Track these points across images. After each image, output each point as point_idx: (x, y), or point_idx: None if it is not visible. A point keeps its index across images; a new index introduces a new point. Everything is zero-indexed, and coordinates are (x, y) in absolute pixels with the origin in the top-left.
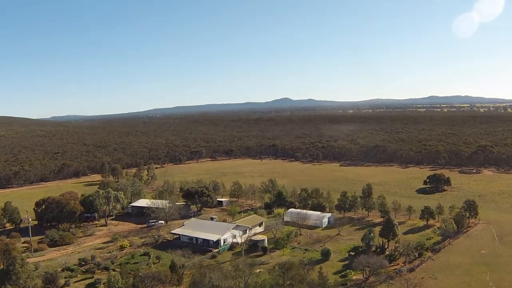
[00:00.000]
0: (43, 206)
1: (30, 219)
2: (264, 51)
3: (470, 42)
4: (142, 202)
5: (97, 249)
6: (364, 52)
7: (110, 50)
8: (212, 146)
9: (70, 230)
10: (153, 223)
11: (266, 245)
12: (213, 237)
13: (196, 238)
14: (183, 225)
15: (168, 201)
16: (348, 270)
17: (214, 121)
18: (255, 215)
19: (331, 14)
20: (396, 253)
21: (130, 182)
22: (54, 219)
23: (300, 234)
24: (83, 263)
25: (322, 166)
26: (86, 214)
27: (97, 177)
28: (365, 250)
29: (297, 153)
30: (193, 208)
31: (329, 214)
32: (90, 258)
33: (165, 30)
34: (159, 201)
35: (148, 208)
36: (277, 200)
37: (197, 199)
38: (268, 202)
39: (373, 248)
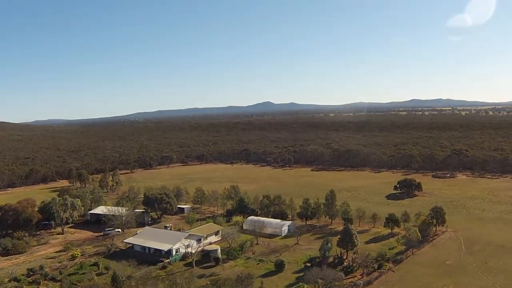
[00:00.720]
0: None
1: None
2: (247, 54)
3: (453, 46)
4: (100, 209)
5: (49, 258)
6: (347, 55)
7: (94, 53)
8: (185, 151)
9: (24, 238)
10: (109, 231)
11: (219, 256)
12: (164, 246)
13: (149, 248)
14: (136, 233)
15: (126, 208)
16: (300, 283)
17: (192, 125)
18: (212, 223)
19: (313, 15)
20: (354, 264)
21: (91, 188)
22: (10, 227)
23: (257, 244)
24: (31, 273)
25: (293, 171)
26: (44, 222)
27: (65, 183)
28: (321, 261)
29: (269, 158)
30: (153, 215)
31: (289, 222)
32: (38, 268)
33: (149, 34)
34: (116, 208)
35: (105, 215)
36: (239, 207)
37: (156, 206)
38: (230, 209)
39: (331, 259)
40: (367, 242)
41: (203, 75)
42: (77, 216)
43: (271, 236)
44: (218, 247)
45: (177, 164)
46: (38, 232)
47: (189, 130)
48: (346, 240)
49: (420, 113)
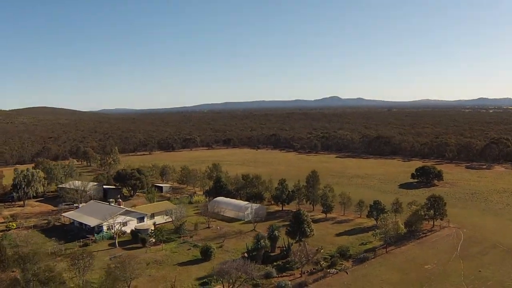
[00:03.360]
0: None
1: None
2: (316, 47)
3: None
4: (70, 184)
5: None
6: (418, 53)
7: (164, 48)
8: (217, 135)
9: None
10: (65, 206)
11: (146, 237)
12: (92, 222)
13: (80, 223)
14: (78, 207)
15: (93, 183)
16: (214, 277)
17: (246, 114)
18: (167, 202)
19: (385, 11)
20: (296, 259)
21: (66, 163)
22: None
23: (208, 227)
24: None
25: (315, 157)
26: (10, 195)
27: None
28: (256, 253)
29: (295, 143)
30: (126, 193)
31: (255, 205)
32: None
33: (218, 29)
34: (81, 183)
35: (67, 189)
36: (215, 188)
37: (127, 183)
38: (208, 189)
39: (278, 251)
40: (339, 234)
41: (271, 69)
42: (40, 190)
43: (232, 220)
44: (149, 228)
45: (201, 148)
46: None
47: (239, 118)
48: (295, 228)
49: (484, 111)
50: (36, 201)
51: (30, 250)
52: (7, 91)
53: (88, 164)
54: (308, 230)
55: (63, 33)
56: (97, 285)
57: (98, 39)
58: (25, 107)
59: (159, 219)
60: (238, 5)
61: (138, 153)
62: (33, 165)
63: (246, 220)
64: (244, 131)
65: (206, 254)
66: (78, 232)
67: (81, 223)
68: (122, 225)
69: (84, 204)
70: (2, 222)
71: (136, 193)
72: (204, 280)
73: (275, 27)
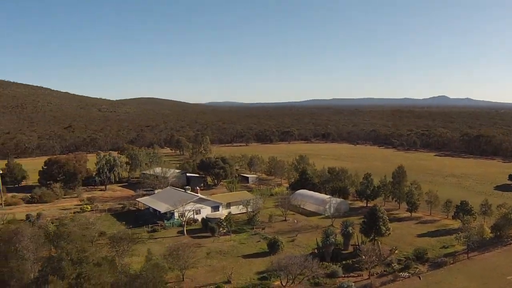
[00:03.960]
0: (46, 166)
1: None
2: (422, 44)
3: None
4: (153, 170)
5: (64, 209)
6: None
7: (281, 43)
8: (316, 129)
9: (54, 189)
10: (143, 191)
11: (217, 226)
12: (163, 208)
13: (153, 209)
14: (154, 193)
15: (177, 171)
16: (274, 272)
17: (353, 111)
18: (245, 192)
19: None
20: (365, 258)
21: (151, 150)
22: (52, 177)
23: (285, 220)
24: (27, 220)
25: (414, 155)
26: (93, 179)
27: (165, 150)
28: (323, 249)
29: (394, 140)
30: (210, 181)
31: (338, 200)
32: (36, 215)
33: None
34: (164, 169)
35: (148, 175)
36: (300, 180)
37: (210, 171)
38: (293, 181)
39: (351, 249)
40: (420, 235)
41: (380, 66)
42: (123, 175)
43: (312, 214)
44: (220, 217)
45: (299, 141)
46: (82, 187)
47: (344, 114)
48: (370, 225)
49: None
50: (120, 186)
51: (66, 229)
52: (119, 81)
53: (181, 152)
54: (384, 228)
55: (191, 31)
56: (137, 271)
57: (220, 38)
58: (132, 98)
59: (234, 209)
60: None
61: (235, 144)
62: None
63: (326, 214)
64: (345, 126)
65: (273, 248)
66: (150, 218)
67: (154, 209)
68: (195, 213)
69: (160, 190)
70: (79, 204)
71: (221, 183)
72: (264, 275)
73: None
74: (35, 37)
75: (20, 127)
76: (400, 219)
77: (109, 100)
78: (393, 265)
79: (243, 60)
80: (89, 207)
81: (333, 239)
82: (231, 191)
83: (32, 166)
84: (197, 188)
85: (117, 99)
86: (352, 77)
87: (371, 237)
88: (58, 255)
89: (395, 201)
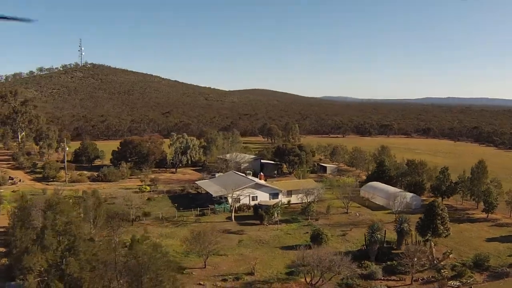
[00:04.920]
0: (120, 147)
1: (67, 148)
2: None
3: None
4: (228, 155)
5: (124, 188)
6: None
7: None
8: (420, 124)
9: (121, 169)
10: (207, 175)
11: (264, 213)
12: (216, 191)
13: (207, 192)
14: (214, 176)
15: (251, 156)
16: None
17: (464, 110)
18: (311, 180)
19: None
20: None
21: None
22: (124, 158)
23: (346, 212)
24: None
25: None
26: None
27: (259, 138)
28: (369, 247)
29: (496, 138)
30: (285, 169)
31: (409, 195)
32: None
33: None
34: (238, 154)
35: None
36: (377, 172)
37: (284, 158)
38: (370, 173)
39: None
40: (490, 239)
41: (496, 66)
42: (197, 158)
43: (380, 208)
44: (272, 203)
45: (399, 135)
46: (154, 169)
47: (454, 112)
48: (426, 223)
49: None
50: (193, 169)
51: (57, 198)
52: (236, 73)
53: (273, 141)
54: (441, 228)
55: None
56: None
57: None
58: (245, 89)
59: (295, 198)
60: None
61: (332, 136)
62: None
63: (394, 210)
64: (449, 123)
65: (315, 240)
66: (205, 201)
67: (208, 192)
68: (250, 199)
69: (221, 173)
70: (141, 184)
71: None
72: (293, 269)
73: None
74: (156, 29)
75: (121, 112)
76: (473, 220)
77: (220, 90)
78: (443, 271)
79: (362, 54)
80: (148, 188)
81: (379, 236)
82: (299, 179)
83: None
84: (261, 174)
85: (231, 89)
86: (466, 76)
87: (428, 237)
88: (43, 225)
89: (473, 199)
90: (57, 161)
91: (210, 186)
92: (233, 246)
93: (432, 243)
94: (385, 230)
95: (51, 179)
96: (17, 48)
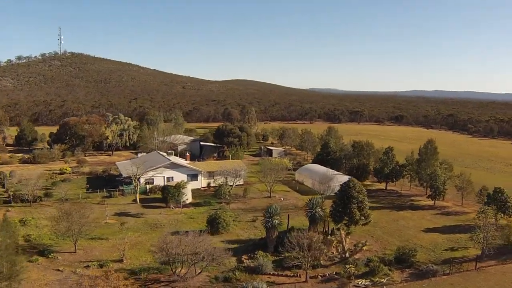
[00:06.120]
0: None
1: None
2: None
3: None
4: (170, 138)
5: (48, 170)
6: None
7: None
8: (397, 112)
9: (51, 151)
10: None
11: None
12: (127, 172)
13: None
14: (136, 157)
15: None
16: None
17: (445, 101)
18: (238, 161)
19: None
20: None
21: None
22: (60, 140)
23: (269, 196)
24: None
25: (487, 142)
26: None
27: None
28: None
29: (470, 126)
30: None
31: (344, 178)
32: (9, 174)
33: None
34: (177, 136)
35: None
36: (322, 154)
37: (224, 140)
38: (316, 156)
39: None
40: (429, 230)
41: (484, 59)
42: (132, 140)
43: (312, 192)
44: (186, 186)
45: (370, 123)
46: (90, 151)
47: (432, 103)
48: (341, 207)
49: None
50: (132, 152)
51: None
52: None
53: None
54: (358, 213)
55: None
56: None
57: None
58: (232, 79)
59: (220, 180)
60: None
61: (299, 122)
62: None
63: (327, 194)
64: (423, 110)
65: (212, 225)
66: (118, 183)
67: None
68: (165, 180)
69: (144, 154)
70: (72, 166)
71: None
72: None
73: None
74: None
75: (91, 99)
76: (416, 207)
77: (199, 79)
78: (348, 267)
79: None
80: (69, 169)
81: (276, 222)
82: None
83: None
84: (187, 154)
85: (216, 79)
86: (453, 68)
87: (338, 225)
88: None
89: (421, 184)
90: (1, 144)
91: (125, 166)
92: (119, 230)
93: (343, 232)
94: (288, 215)
95: None
96: None
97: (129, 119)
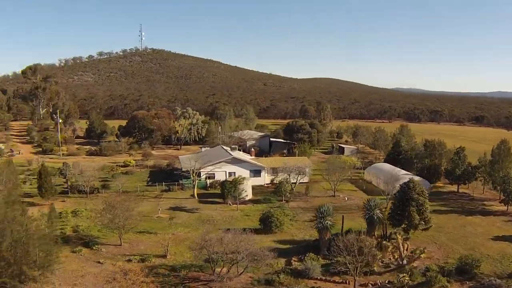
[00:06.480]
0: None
1: (59, 120)
2: None
3: None
4: (240, 133)
5: (113, 163)
6: None
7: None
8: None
9: (118, 143)
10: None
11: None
12: (186, 165)
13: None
14: (201, 151)
15: (260, 134)
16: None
17: None
18: (304, 158)
19: None
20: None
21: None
22: (129, 133)
23: (333, 196)
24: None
25: None
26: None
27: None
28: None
29: None
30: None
31: (416, 179)
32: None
33: None
34: (247, 131)
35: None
36: (393, 153)
37: (293, 136)
38: (388, 155)
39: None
40: (498, 238)
41: None
42: (199, 135)
43: (380, 193)
44: (246, 182)
45: (450, 123)
46: (159, 145)
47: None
48: (399, 209)
49: None
50: (201, 146)
51: None
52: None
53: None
54: (417, 217)
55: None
56: None
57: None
58: (310, 77)
59: (282, 177)
60: None
61: (378, 121)
62: None
63: (389, 195)
64: (502, 110)
65: (265, 224)
66: (179, 177)
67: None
68: (227, 176)
69: (208, 148)
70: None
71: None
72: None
73: None
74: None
75: (170, 94)
76: (487, 213)
77: (281, 76)
78: (401, 276)
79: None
80: (132, 162)
81: (329, 223)
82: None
83: None
84: (252, 150)
85: (305, 77)
86: None
87: (403, 227)
88: None
89: (494, 187)
90: (71, 136)
91: (188, 160)
92: (168, 225)
93: (400, 237)
94: (342, 216)
95: (49, 152)
96: (80, 32)
97: (197, 113)
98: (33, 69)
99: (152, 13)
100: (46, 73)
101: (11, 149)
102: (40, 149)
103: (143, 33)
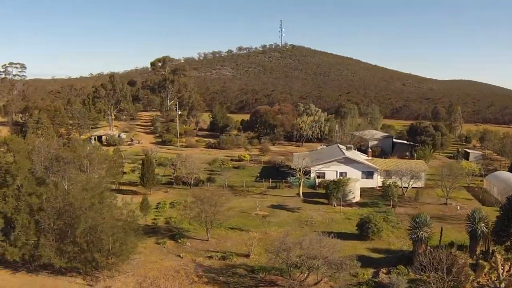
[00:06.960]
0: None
1: (179, 112)
2: None
3: None
4: (361, 133)
5: (227, 156)
6: None
7: None
8: None
9: (236, 137)
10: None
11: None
12: (296, 163)
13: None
14: (317, 149)
15: (382, 134)
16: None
17: None
18: (421, 161)
19: None
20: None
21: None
22: (250, 128)
23: (445, 204)
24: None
25: None
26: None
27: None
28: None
29: None
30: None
31: None
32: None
33: None
34: (370, 131)
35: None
36: None
37: (416, 138)
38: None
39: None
40: None
41: None
42: (324, 132)
43: (497, 204)
44: (353, 183)
45: None
46: (281, 141)
47: None
48: (503, 224)
49: None
50: (323, 144)
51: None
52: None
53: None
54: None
55: None
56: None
57: None
58: (452, 79)
59: (394, 180)
60: None
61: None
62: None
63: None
64: None
65: (362, 230)
66: (288, 174)
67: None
68: (338, 175)
69: (324, 146)
70: (253, 154)
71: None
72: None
73: None
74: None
75: (304, 90)
76: None
77: (421, 77)
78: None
79: None
80: (247, 156)
81: (425, 234)
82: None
83: None
84: (369, 150)
85: (446, 79)
86: None
87: (501, 247)
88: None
89: None
90: (194, 129)
91: (300, 158)
92: (263, 223)
93: (499, 256)
94: (441, 227)
95: (168, 143)
96: (221, 27)
97: (319, 110)
98: (161, 61)
99: (293, 10)
100: (174, 66)
101: (131, 138)
102: (160, 139)
103: (283, 29)
